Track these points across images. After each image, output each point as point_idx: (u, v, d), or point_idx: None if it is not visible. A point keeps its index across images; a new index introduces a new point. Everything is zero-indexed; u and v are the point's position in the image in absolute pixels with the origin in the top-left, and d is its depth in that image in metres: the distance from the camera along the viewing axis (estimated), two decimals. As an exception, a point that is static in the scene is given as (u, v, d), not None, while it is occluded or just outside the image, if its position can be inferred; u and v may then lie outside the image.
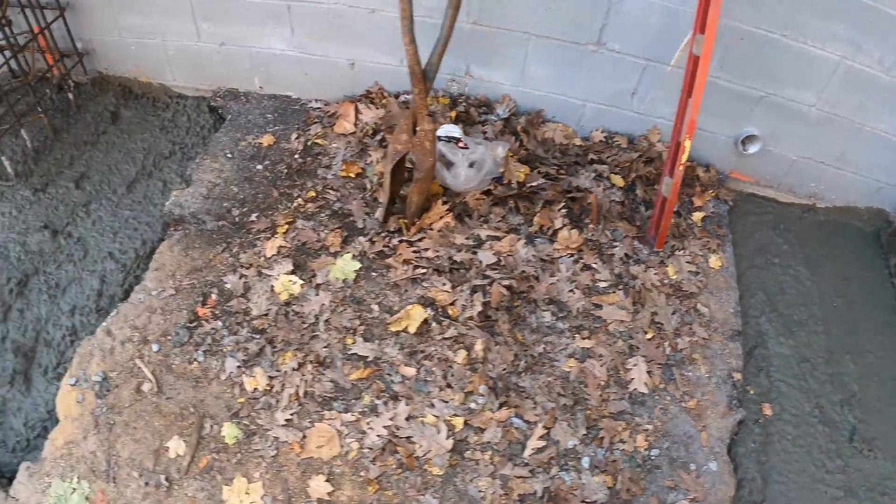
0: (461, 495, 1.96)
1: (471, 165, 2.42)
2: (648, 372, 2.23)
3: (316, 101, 2.87)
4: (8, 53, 3.01)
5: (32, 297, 2.69)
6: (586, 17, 2.44)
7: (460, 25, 2.52)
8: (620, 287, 2.38)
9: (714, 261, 2.50)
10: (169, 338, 2.31)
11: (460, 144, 2.43)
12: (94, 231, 2.76)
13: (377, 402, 2.11)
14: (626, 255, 2.44)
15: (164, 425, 2.13)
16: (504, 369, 2.18)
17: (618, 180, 2.58)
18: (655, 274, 2.42)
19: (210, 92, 3.04)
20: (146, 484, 2.00)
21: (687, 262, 2.48)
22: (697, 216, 2.60)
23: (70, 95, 3.08)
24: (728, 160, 2.68)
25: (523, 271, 2.34)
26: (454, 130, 2.46)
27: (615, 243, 2.47)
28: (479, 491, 1.97)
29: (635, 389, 2.21)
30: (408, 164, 2.39)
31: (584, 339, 2.27)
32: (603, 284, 2.38)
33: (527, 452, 2.04)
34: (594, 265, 2.41)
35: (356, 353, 2.20)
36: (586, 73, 2.55)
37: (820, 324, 2.50)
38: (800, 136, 2.57)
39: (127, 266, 2.62)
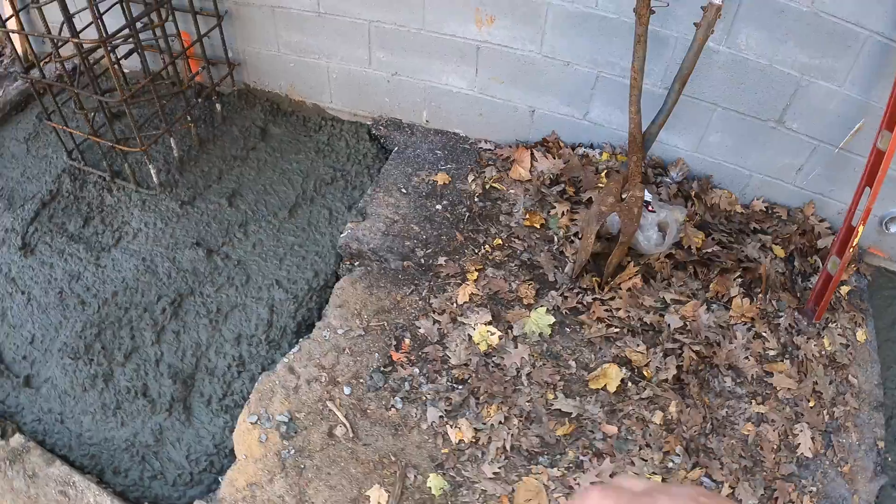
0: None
1: (659, 229, 2.55)
2: (812, 438, 2.43)
3: (486, 141, 2.92)
4: (143, 56, 2.91)
5: (189, 320, 2.65)
6: (773, 96, 2.59)
7: (651, 90, 2.63)
8: (787, 356, 2.58)
9: (860, 334, 2.73)
10: (361, 381, 2.36)
11: (650, 208, 2.55)
12: (256, 255, 2.73)
13: (582, 458, 2.24)
14: (789, 325, 2.63)
15: (362, 473, 2.18)
16: (695, 431, 2.34)
17: (779, 251, 2.76)
18: (815, 345, 2.62)
19: (369, 119, 3.03)
20: (353, 530, 2.06)
21: (839, 334, 2.69)
22: (844, 290, 2.81)
23: (217, 106, 3.00)
24: (869, 237, 2.90)
25: (707, 337, 2.49)
26: (646, 194, 2.57)
27: (780, 313, 2.65)
28: (682, 548, 2.12)
29: (801, 454, 2.41)
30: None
31: (758, 404, 2.45)
32: (772, 353, 2.57)
33: (719, 512, 2.20)
34: (764, 334, 2.59)
35: (559, 409, 2.31)
36: (761, 147, 2.71)
37: (943, 397, 2.77)
38: (936, 220, 2.82)
39: (298, 297, 2.62)
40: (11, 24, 3.02)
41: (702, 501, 0.51)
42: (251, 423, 2.26)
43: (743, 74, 2.58)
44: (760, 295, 2.66)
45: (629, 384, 2.39)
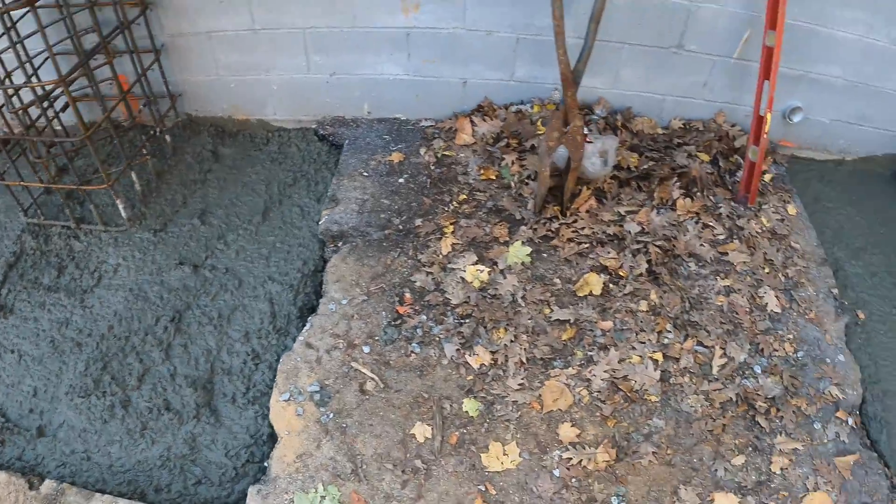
0: (679, 413, 2.69)
1: (599, 156, 3.25)
2: (776, 296, 3.11)
3: (426, 119, 3.55)
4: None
5: (193, 331, 3.07)
6: (669, 26, 3.34)
7: (568, 41, 3.37)
8: (734, 237, 3.28)
9: (791, 208, 3.49)
10: (377, 338, 2.86)
11: (588, 139, 3.25)
12: (241, 260, 3.21)
13: (590, 353, 2.82)
14: (729, 212, 3.36)
15: (401, 416, 2.62)
16: (678, 310, 2.97)
17: (704, 156, 3.51)
18: (756, 224, 3.36)
19: (313, 122, 3.60)
20: (402, 472, 2.42)
21: (773, 212, 3.43)
22: (767, 178, 3.59)
23: (167, 138, 3.50)
24: (777, 130, 3.72)
25: (664, 234, 3.18)
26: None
27: (719, 205, 3.38)
28: (691, 406, 2.70)
29: (772, 311, 3.05)
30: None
31: (723, 279, 3.12)
32: (721, 237, 3.26)
33: (714, 370, 2.80)
34: (710, 223, 3.30)
35: (557, 319, 2.90)
36: (667, 72, 3.48)
37: (875, 248, 3.53)
38: (830, 103, 3.57)
39: (294, 286, 3.10)
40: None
41: None
42: (285, 401, 2.66)
43: (641, 12, 3.33)
44: (698, 193, 3.38)
45: (611, 285, 3.01)
